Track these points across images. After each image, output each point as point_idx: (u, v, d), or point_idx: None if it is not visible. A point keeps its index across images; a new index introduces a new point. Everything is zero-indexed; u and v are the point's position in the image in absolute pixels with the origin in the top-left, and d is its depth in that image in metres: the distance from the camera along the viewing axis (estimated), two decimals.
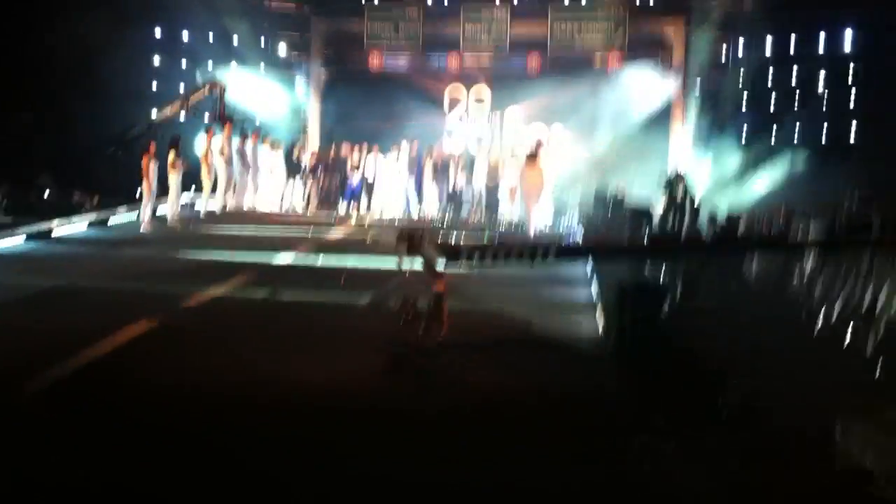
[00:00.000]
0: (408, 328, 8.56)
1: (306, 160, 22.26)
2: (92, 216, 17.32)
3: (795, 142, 24.57)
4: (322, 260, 13.76)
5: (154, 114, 20.83)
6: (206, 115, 21.08)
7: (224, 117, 20.48)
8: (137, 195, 17.51)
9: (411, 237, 8.97)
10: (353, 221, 19.48)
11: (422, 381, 7.66)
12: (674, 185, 15.69)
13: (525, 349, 8.80)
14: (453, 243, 9.66)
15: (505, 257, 9.06)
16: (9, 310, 9.75)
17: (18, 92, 21.54)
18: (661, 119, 26.20)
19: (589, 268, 12.84)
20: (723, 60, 26.92)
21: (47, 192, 19.84)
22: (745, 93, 26.47)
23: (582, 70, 26.70)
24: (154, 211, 17.30)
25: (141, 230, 16.50)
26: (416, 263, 8.91)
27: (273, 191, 21.39)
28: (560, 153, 20.23)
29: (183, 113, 20.71)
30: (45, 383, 7.00)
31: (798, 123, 24.98)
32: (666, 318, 9.08)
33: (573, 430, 6.35)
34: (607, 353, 8.39)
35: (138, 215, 17.06)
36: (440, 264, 8.74)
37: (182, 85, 25.93)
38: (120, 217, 17.84)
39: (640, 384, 7.25)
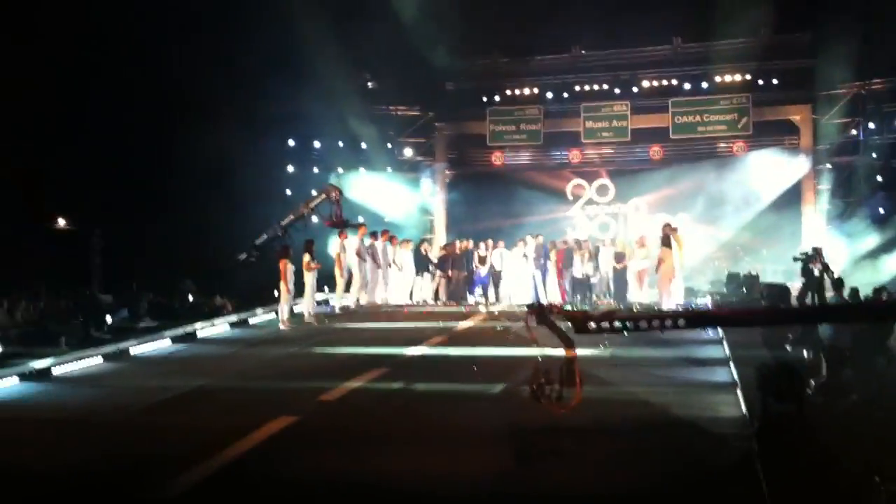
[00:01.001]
0: (541, 394, 8.51)
1: (434, 255, 22.67)
2: (233, 317, 18.01)
3: None
4: (453, 350, 13.85)
5: (284, 220, 21.68)
6: (324, 218, 21.66)
7: (340, 220, 21.08)
8: (276, 295, 18.12)
9: (540, 306, 9.08)
10: (482, 310, 19.61)
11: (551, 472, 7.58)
12: (811, 260, 15.21)
13: (661, 434, 8.61)
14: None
15: (635, 325, 8.68)
16: (155, 411, 10.11)
17: (161, 201, 22.90)
18: (791, 201, 25.73)
19: (727, 348, 12.58)
20: (852, 141, 26.33)
21: (190, 296, 20.80)
22: (878, 173, 25.77)
23: (706, 158, 26.61)
24: (291, 310, 17.87)
25: (280, 328, 17.04)
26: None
27: (404, 286, 21.83)
28: (688, 239, 19.92)
29: (305, 217, 21.43)
30: (190, 481, 7.20)
31: None
32: (811, 400, 8.79)
33: None
34: (750, 440, 8.03)
35: (276, 314, 17.65)
36: (569, 332, 8.69)
37: (312, 191, 27.11)
38: (259, 317, 18.49)
39: (780, 476, 6.80)
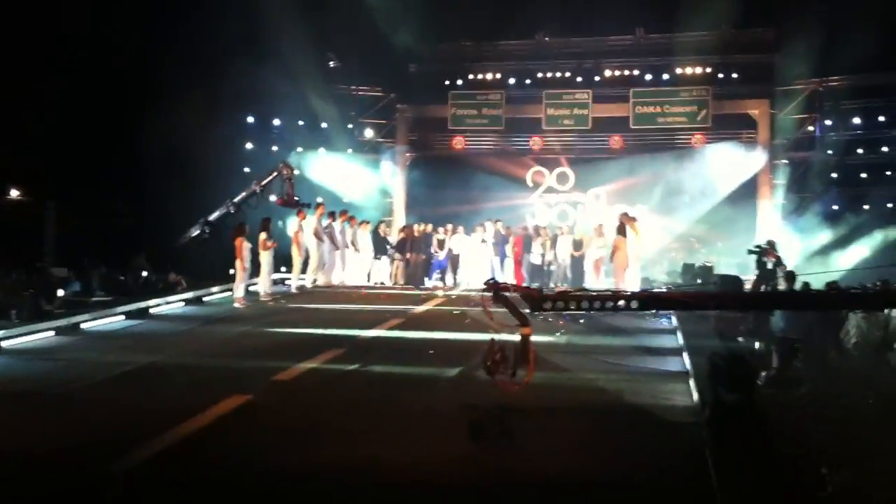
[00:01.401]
0: (495, 371, 8.69)
1: (393, 238, 22.64)
2: (188, 294, 17.83)
3: (885, 217, 24.16)
4: (410, 333, 13.86)
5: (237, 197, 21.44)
6: (274, 197, 21.38)
7: (292, 199, 20.85)
8: (231, 273, 17.97)
9: (497, 284, 9.21)
10: (439, 294, 19.64)
11: (506, 456, 7.64)
12: (765, 253, 15.43)
13: (614, 420, 8.70)
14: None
15: (588, 304, 8.86)
16: (107, 386, 10.02)
17: (115, 177, 22.59)
18: (747, 195, 26.05)
19: (680, 338, 12.74)
20: (809, 137, 26.74)
21: (144, 273, 20.54)
22: (833, 169, 26.22)
23: (665, 149, 26.82)
24: (247, 288, 17.74)
25: (235, 306, 16.91)
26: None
27: (361, 268, 21.77)
28: (645, 229, 20.08)
29: (258, 195, 21.12)
30: (140, 457, 7.15)
31: (888, 200, 24.60)
32: (762, 390, 8.92)
33: None
34: (700, 428, 8.15)
35: (232, 292, 17.52)
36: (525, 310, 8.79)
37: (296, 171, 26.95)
38: (215, 295, 18.33)
39: (729, 464, 6.87)
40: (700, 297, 11.05)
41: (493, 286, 9.14)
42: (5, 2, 21.10)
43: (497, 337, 8.89)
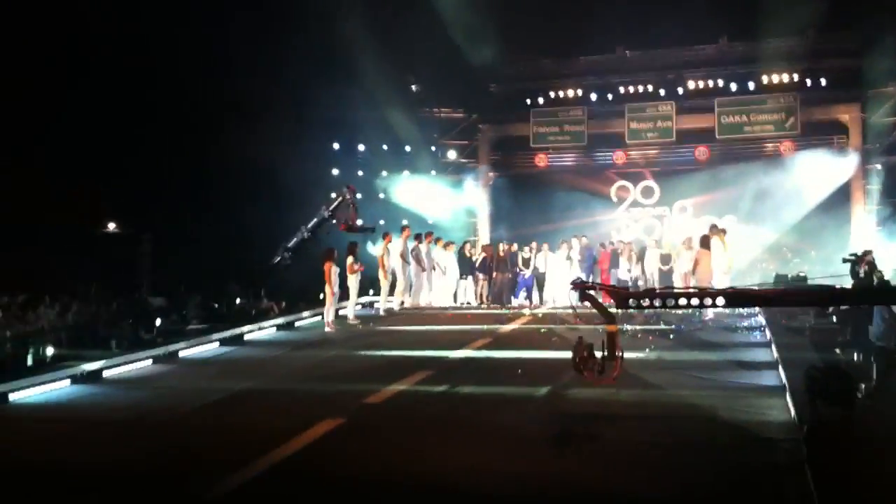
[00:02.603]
0: (583, 367, 8.89)
1: (477, 258, 22.68)
2: (279, 320, 18.18)
3: None
4: (498, 353, 13.86)
5: (310, 223, 21.67)
6: (340, 220, 21.29)
7: (355, 223, 20.90)
8: (321, 297, 18.25)
9: (583, 283, 9.52)
10: (526, 312, 19.60)
11: (597, 475, 7.57)
12: (859, 261, 14.98)
13: (708, 438, 8.54)
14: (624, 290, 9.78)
15: (675, 302, 8.93)
16: (203, 412, 10.26)
17: (208, 204, 23.21)
18: (839, 202, 25.31)
19: (774, 351, 12.46)
20: None
21: (237, 300, 21.05)
22: None
23: (752, 158, 26.31)
24: (336, 312, 18.00)
25: (325, 330, 17.17)
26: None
27: (447, 288, 21.87)
28: (734, 240, 19.70)
29: (326, 220, 21.24)
30: (238, 482, 7.31)
31: None
32: (861, 403, 8.66)
33: None
34: (799, 444, 7.91)
35: (322, 317, 17.79)
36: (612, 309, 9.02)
37: (357, 194, 27.27)
38: (305, 320, 18.64)
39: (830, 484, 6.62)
40: (784, 293, 10.83)
41: (580, 285, 9.35)
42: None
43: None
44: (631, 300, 9.07)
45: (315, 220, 21.38)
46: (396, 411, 10.08)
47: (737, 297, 9.71)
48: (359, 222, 21.00)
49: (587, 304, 9.02)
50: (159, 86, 22.66)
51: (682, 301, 8.96)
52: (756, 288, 11.50)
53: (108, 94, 21.87)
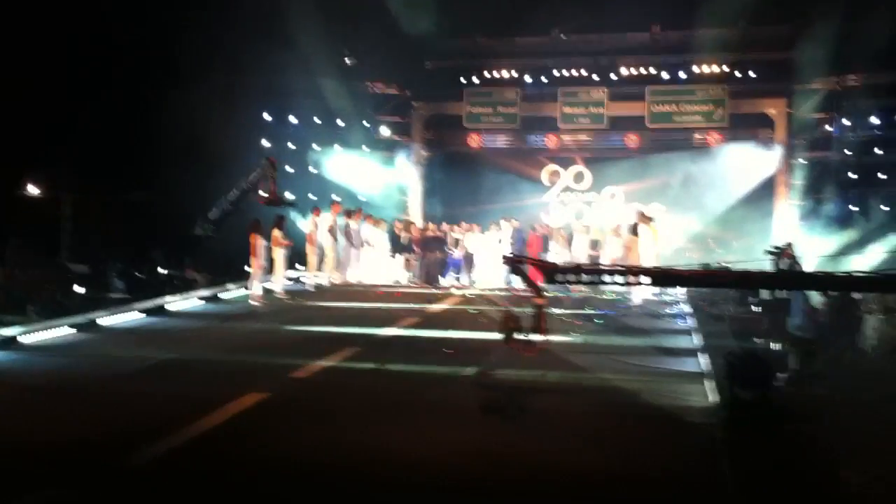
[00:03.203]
0: (510, 339, 9.40)
1: (408, 236, 22.64)
2: (204, 292, 17.92)
3: None
4: (426, 332, 13.89)
5: (230, 195, 21.32)
6: (263, 194, 21.14)
7: (275, 197, 20.66)
8: (247, 270, 18.04)
9: (515, 257, 10.14)
10: (455, 292, 19.66)
11: (520, 451, 7.66)
12: (781, 254, 15.38)
13: (630, 420, 8.70)
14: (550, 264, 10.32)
15: (599, 276, 9.56)
16: (124, 381, 10.11)
17: (132, 169, 22.66)
18: (764, 195, 25.92)
19: (696, 339, 12.73)
20: (826, 137, 26.54)
21: (160, 268, 20.64)
22: (851, 169, 26.04)
23: (681, 148, 26.72)
24: (263, 286, 17.81)
25: (251, 304, 16.98)
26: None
27: (376, 266, 21.81)
28: (661, 228, 20.04)
29: (248, 192, 20.91)
30: (157, 453, 7.20)
31: None
32: (778, 390, 8.91)
33: None
34: (716, 429, 8.13)
35: (248, 290, 17.58)
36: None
37: (287, 166, 26.96)
38: (230, 293, 18.41)
39: (745, 467, 6.84)
40: (707, 274, 11.28)
41: (511, 259, 9.95)
42: None
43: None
44: (558, 275, 9.47)
45: (235, 192, 20.99)
46: (323, 386, 10.05)
47: (661, 276, 10.24)
48: (290, 196, 20.70)
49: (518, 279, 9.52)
50: (85, 44, 21.93)
51: (607, 277, 9.53)
52: (680, 268, 11.89)
53: (31, 53, 21.12)
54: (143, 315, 15.22)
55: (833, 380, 9.76)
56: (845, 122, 26.20)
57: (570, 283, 9.81)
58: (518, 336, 9.45)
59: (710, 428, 8.16)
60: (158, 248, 21.21)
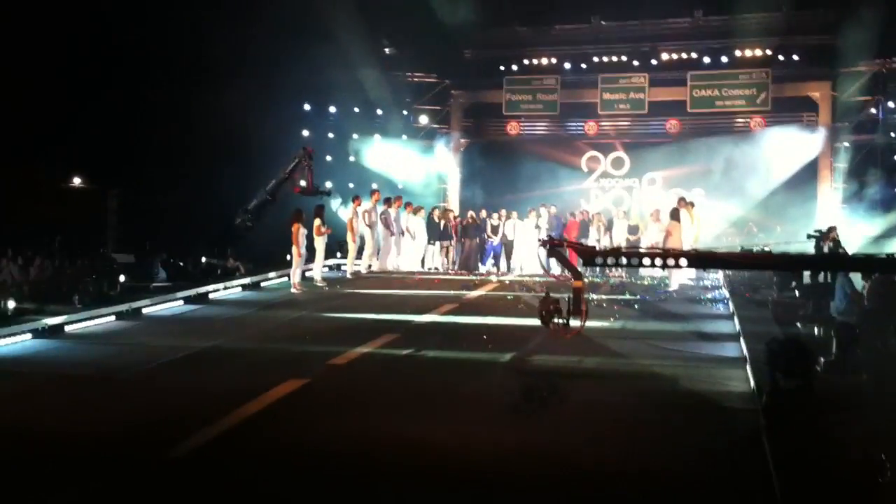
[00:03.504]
0: (549, 320, 9.64)
1: (447, 224, 22.64)
2: (245, 280, 18.11)
3: None
4: (464, 319, 13.89)
5: (268, 185, 21.39)
6: (301, 183, 21.01)
7: (311, 187, 20.71)
8: (288, 258, 18.19)
9: (552, 240, 10.31)
10: (493, 279, 19.67)
11: (556, 441, 7.64)
12: (823, 238, 15.17)
13: (669, 406, 8.64)
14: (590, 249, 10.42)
15: (639, 261, 9.51)
16: (167, 370, 10.25)
17: (176, 162, 22.95)
18: (807, 179, 25.62)
19: (737, 324, 12.60)
20: (871, 120, 26.07)
21: (203, 258, 20.90)
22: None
23: (723, 132, 26.44)
24: (303, 274, 17.96)
25: (291, 291, 17.12)
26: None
27: (416, 253, 21.87)
28: (702, 213, 19.85)
29: (286, 182, 20.92)
30: (201, 441, 7.27)
31: None
32: (820, 377, 8.79)
33: None
34: (757, 414, 8.02)
35: (289, 278, 17.73)
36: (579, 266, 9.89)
37: (327, 156, 27.11)
38: (271, 281, 18.58)
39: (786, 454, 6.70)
40: (744, 256, 11.13)
41: (549, 241, 10.13)
42: None
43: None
44: (597, 258, 9.61)
45: (273, 182, 21.12)
46: (361, 374, 10.09)
47: (699, 259, 10.29)
48: (328, 185, 20.74)
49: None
50: (130, 44, 22.25)
51: (646, 261, 9.53)
52: (718, 251, 11.86)
53: (78, 51, 21.48)
54: (186, 304, 15.42)
55: (876, 366, 9.60)
56: (890, 104, 25.69)
57: (608, 266, 9.85)
58: (557, 319, 9.55)
59: (750, 415, 8.08)
60: (201, 238, 21.47)
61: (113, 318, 13.53)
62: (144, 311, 14.36)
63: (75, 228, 21.47)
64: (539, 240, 9.99)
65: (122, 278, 16.90)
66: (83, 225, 22.31)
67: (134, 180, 23.24)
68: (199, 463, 6.90)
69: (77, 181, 25.24)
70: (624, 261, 9.70)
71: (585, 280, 9.88)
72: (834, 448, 6.86)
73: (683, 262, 9.32)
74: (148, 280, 17.80)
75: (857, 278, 12.55)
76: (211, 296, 16.35)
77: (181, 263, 19.97)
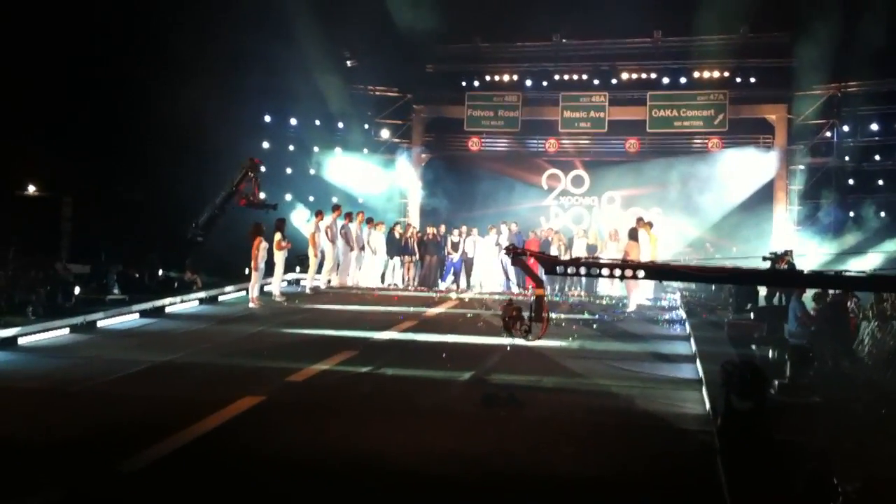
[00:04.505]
0: (511, 327, 9.95)
1: (407, 239, 22.59)
2: (202, 294, 17.94)
3: None
4: (423, 336, 13.89)
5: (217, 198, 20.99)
6: (242, 195, 20.03)
7: (258, 200, 19.99)
8: (246, 272, 18.05)
9: (515, 248, 10.49)
10: (453, 296, 19.69)
11: (515, 455, 7.68)
12: (778, 260, 15.42)
13: (625, 426, 8.71)
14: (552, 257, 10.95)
15: (598, 270, 9.84)
16: (122, 384, 10.11)
17: (131, 170, 22.63)
18: (762, 201, 25.96)
19: (693, 345, 12.74)
20: (826, 143, 26.53)
21: (159, 271, 20.59)
22: (850, 176, 26.07)
23: (681, 153, 26.75)
24: (261, 288, 17.83)
25: (250, 306, 16.99)
26: None
27: (376, 269, 21.81)
28: (660, 233, 20.06)
29: (235, 195, 20.54)
30: (155, 456, 7.22)
31: None
32: (774, 398, 8.92)
33: None
34: (712, 436, 8.13)
35: (247, 292, 17.59)
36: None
37: (288, 169, 26.96)
38: (229, 295, 18.43)
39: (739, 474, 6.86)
40: (702, 269, 11.20)
41: (512, 250, 10.32)
42: None
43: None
44: (559, 267, 10.04)
45: (223, 194, 20.76)
46: (319, 390, 10.07)
47: (657, 271, 10.74)
48: (262, 199, 20.22)
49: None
50: (84, 43, 21.89)
51: (605, 271, 9.90)
52: (674, 263, 12.11)
53: (31, 50, 21.12)
54: (142, 317, 15.28)
55: (828, 388, 9.76)
56: (845, 128, 26.19)
57: (569, 275, 10.34)
58: (519, 325, 9.92)
59: (704, 436, 8.18)
60: (156, 250, 21.15)
61: (67, 330, 13.35)
62: (99, 324, 14.19)
63: (29, 237, 21.05)
64: (504, 248, 10.34)
65: (76, 290, 16.63)
66: (37, 234, 21.87)
67: (87, 188, 22.85)
68: (151, 477, 6.84)
69: (31, 188, 24.80)
70: (584, 270, 9.99)
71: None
72: (785, 468, 6.96)
73: (641, 273, 9.61)
74: (103, 292, 17.53)
75: (810, 301, 12.78)
76: (167, 309, 16.20)
77: (137, 275, 19.66)
